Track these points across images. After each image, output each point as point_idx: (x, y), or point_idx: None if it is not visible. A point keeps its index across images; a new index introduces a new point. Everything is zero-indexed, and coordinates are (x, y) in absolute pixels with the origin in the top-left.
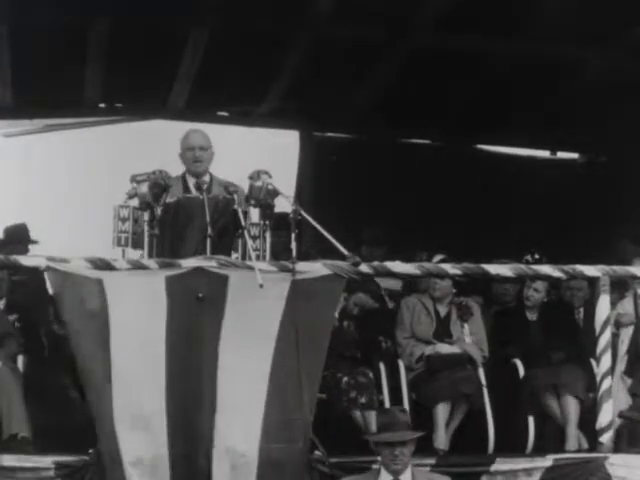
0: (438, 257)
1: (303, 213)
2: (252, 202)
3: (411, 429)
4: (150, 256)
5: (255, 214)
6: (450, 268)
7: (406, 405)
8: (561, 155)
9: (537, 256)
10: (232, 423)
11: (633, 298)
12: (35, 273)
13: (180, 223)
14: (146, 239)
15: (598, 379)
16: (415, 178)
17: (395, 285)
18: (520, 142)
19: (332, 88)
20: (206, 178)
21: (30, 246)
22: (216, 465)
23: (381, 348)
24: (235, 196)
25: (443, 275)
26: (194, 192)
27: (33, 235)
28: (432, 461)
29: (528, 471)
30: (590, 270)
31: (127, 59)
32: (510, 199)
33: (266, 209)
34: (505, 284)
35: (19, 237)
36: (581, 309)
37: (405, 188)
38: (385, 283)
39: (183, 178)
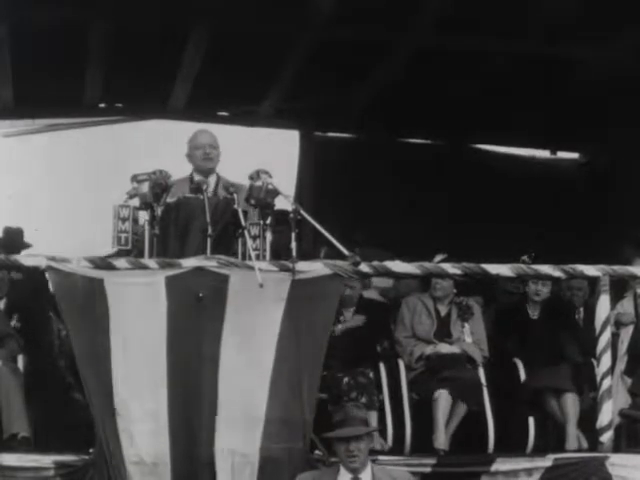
0: (439, 257)
1: (303, 213)
2: (252, 202)
3: (366, 425)
4: (150, 256)
5: (255, 214)
6: (450, 268)
7: (406, 405)
8: (561, 155)
9: (533, 254)
10: (233, 423)
11: (633, 298)
12: (35, 273)
13: (181, 223)
14: (146, 239)
15: (598, 379)
16: (415, 178)
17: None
18: (520, 142)
19: (332, 88)
20: (212, 178)
21: (23, 251)
22: (217, 465)
23: (377, 349)
24: (235, 196)
25: (443, 275)
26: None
27: (31, 236)
28: (432, 461)
29: (528, 471)
30: (590, 270)
31: (127, 59)
32: (510, 199)
33: (266, 209)
34: (514, 283)
35: (11, 242)
36: (581, 309)
37: (405, 188)
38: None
39: (191, 178)
